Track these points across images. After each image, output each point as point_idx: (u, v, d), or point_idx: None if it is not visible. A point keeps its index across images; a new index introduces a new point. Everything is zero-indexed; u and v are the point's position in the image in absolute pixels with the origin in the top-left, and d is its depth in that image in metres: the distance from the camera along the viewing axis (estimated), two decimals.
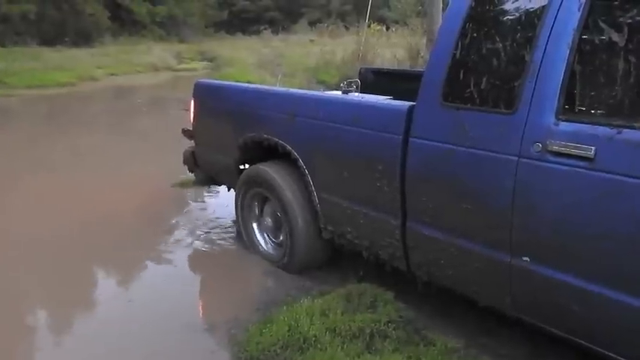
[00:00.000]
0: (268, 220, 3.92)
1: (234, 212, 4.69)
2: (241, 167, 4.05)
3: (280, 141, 3.51)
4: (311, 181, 3.39)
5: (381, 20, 20.91)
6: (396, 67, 11.04)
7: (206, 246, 4.33)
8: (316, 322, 2.90)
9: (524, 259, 2.37)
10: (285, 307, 3.12)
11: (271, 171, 3.69)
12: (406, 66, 12.78)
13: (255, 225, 4.05)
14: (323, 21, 28.73)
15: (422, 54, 13.49)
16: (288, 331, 2.84)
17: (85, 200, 5.48)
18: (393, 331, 2.87)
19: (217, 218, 4.92)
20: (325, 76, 14.80)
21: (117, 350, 2.93)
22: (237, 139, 3.87)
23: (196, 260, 4.14)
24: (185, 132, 4.69)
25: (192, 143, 4.69)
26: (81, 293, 3.71)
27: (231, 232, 4.54)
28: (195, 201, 5.59)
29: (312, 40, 24.35)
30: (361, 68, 5.23)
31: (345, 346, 2.76)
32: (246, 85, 4.58)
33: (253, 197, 3.96)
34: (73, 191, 5.85)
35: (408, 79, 4.76)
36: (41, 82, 15.24)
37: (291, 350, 2.74)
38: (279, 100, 3.62)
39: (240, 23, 36.39)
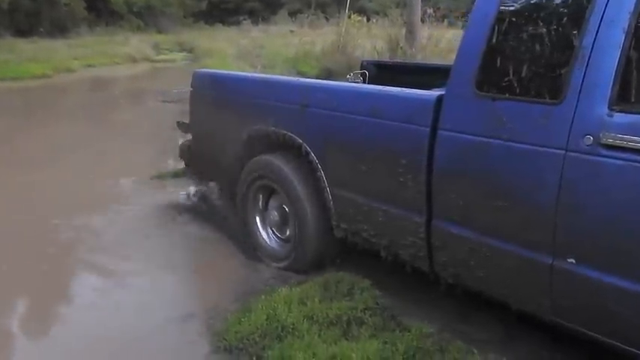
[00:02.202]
0: (274, 214, 3.72)
1: (212, 204, 4.73)
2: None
3: (289, 133, 3.31)
4: (323, 175, 3.19)
5: (362, 11, 20.75)
6: (376, 59, 10.89)
7: (184, 237, 4.29)
8: (294, 311, 2.94)
9: (570, 260, 2.20)
10: (263, 297, 3.13)
11: (281, 162, 3.48)
12: (386, 58, 12.62)
13: (258, 219, 3.84)
14: (303, 11, 28.47)
15: (401, 45, 13.36)
16: (267, 319, 2.88)
17: (61, 193, 5.42)
18: (370, 318, 2.90)
19: (196, 210, 4.86)
20: (305, 67, 14.60)
21: (96, 340, 2.96)
22: (240, 132, 3.67)
23: (174, 251, 4.08)
24: (180, 125, 4.48)
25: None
26: (58, 285, 3.69)
27: (210, 224, 4.50)
28: (174, 193, 5.45)
29: (292, 31, 24.10)
30: (363, 61, 5.06)
31: (322, 333, 2.79)
32: (250, 74, 4.41)
33: (258, 190, 3.76)
34: (50, 185, 5.73)
35: (412, 72, 4.68)
36: (15, 74, 14.73)
37: (270, 338, 2.78)
38: (289, 90, 3.42)
39: (220, 14, 35.93)
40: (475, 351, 2.66)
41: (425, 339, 2.73)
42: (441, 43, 13.32)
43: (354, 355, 2.56)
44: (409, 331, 2.79)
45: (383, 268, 3.24)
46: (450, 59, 11.44)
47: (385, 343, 2.69)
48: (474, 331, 2.91)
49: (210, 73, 4.41)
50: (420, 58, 11.94)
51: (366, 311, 2.93)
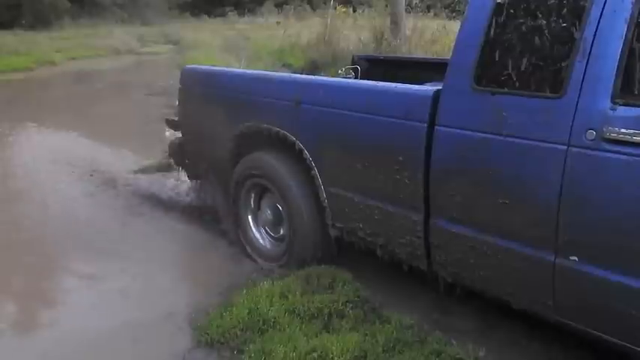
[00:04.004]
0: (267, 213, 3.66)
1: (195, 199, 4.71)
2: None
3: (282, 130, 3.24)
4: (318, 173, 3.13)
5: (347, 2, 20.59)
6: (368, 54, 10.79)
7: (167, 232, 4.28)
8: (276, 304, 2.97)
9: (572, 258, 2.16)
10: (245, 291, 3.15)
11: (274, 160, 3.42)
12: (370, 49, 12.56)
13: (250, 218, 3.78)
14: (289, 3, 28.31)
15: (386, 36, 13.28)
16: (248, 313, 2.91)
17: (41, 187, 5.42)
18: (351, 311, 2.94)
19: (179, 205, 4.84)
20: (291, 59, 14.49)
21: (77, 333, 2.98)
22: (231, 130, 3.59)
23: (156, 246, 4.10)
24: (169, 122, 4.39)
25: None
26: (36, 281, 3.71)
27: (191, 218, 4.50)
28: (155, 187, 5.42)
29: (278, 23, 23.95)
30: (354, 56, 4.98)
31: (303, 326, 2.83)
32: (242, 70, 4.34)
33: (250, 188, 3.69)
34: (31, 179, 5.72)
35: (405, 66, 4.62)
36: None
37: (251, 332, 2.81)
38: (282, 86, 3.36)
39: (205, 5, 35.43)
40: (454, 342, 2.69)
41: (404, 330, 2.77)
42: (425, 34, 13.23)
43: (333, 347, 2.59)
44: (389, 323, 2.83)
45: (364, 261, 3.28)
46: (433, 51, 11.42)
47: (365, 335, 2.72)
48: (454, 321, 2.98)
49: (199, 70, 4.32)
50: (405, 50, 11.86)
51: (347, 304, 2.96)
